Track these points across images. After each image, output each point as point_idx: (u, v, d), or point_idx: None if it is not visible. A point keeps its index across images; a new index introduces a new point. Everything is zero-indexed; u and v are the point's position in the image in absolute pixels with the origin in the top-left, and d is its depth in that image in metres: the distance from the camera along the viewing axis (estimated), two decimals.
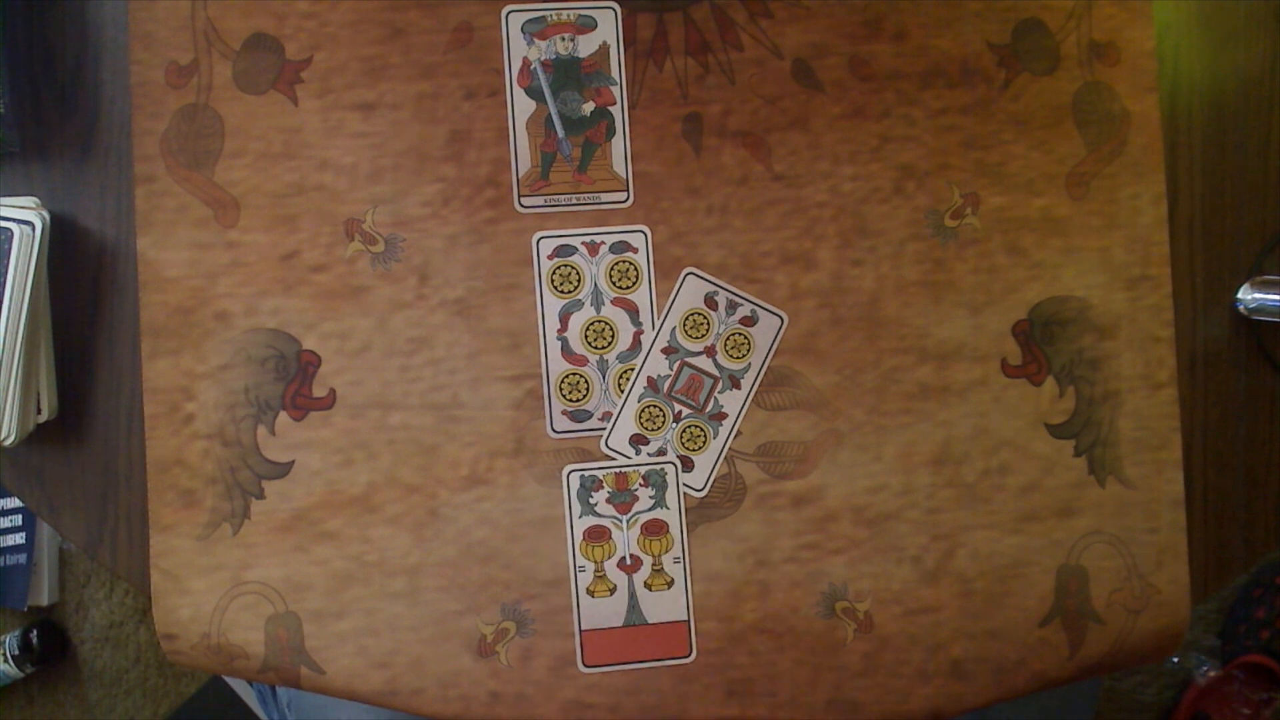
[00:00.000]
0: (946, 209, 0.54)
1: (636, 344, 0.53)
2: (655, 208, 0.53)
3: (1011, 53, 0.54)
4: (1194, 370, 0.58)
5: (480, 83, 0.53)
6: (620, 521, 0.53)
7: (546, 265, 0.53)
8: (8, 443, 0.51)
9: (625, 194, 0.53)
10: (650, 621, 0.53)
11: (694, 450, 0.53)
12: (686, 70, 0.54)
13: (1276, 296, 0.57)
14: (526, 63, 0.53)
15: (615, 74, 0.53)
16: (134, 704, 1.28)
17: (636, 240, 0.53)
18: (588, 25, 0.53)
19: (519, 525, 0.53)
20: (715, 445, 0.53)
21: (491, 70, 0.53)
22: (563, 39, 0.53)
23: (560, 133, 0.53)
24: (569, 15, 0.53)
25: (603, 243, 0.53)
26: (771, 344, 0.54)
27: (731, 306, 0.54)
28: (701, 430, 0.53)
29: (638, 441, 0.53)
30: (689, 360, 0.53)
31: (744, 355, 0.54)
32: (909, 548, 0.54)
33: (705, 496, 0.53)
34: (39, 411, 0.53)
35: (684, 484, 0.53)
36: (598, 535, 0.53)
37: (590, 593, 0.53)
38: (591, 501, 0.53)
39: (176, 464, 0.52)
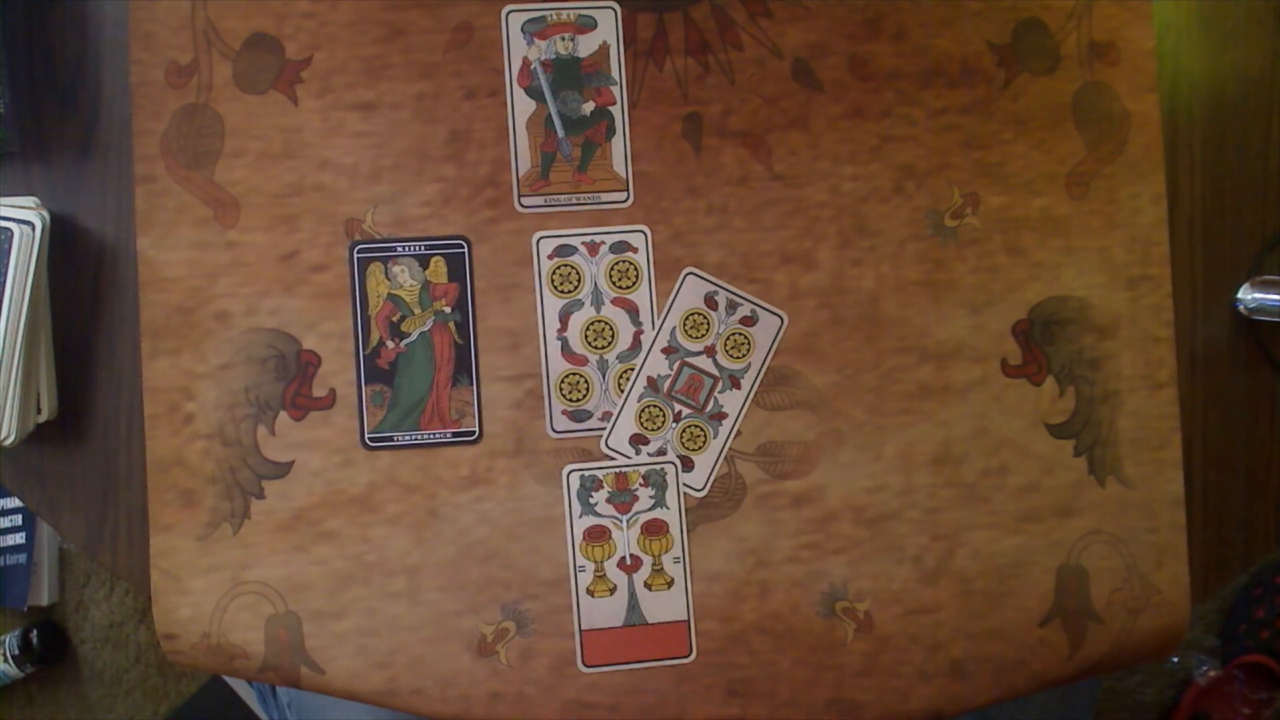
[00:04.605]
0: (946, 209, 0.54)
1: (636, 344, 0.53)
2: (655, 208, 0.53)
3: (1011, 52, 0.54)
4: (1194, 370, 0.58)
5: (480, 83, 0.53)
6: (620, 521, 0.53)
7: (546, 265, 0.53)
8: (8, 443, 0.51)
9: (625, 194, 0.53)
10: (650, 621, 0.53)
11: (694, 450, 0.53)
12: (686, 70, 0.54)
13: (1276, 296, 0.57)
14: (526, 63, 0.53)
15: (615, 74, 0.53)
16: (134, 704, 1.28)
17: (636, 240, 0.53)
18: (588, 25, 0.53)
19: (519, 525, 0.53)
20: (715, 445, 0.53)
21: (491, 70, 0.53)
22: (563, 39, 0.53)
23: (560, 132, 0.53)
24: (569, 15, 0.53)
25: (603, 242, 0.53)
26: (771, 344, 0.54)
27: (731, 306, 0.54)
28: (701, 430, 0.53)
29: (638, 441, 0.53)
30: (689, 360, 0.53)
31: (744, 355, 0.54)
32: (909, 548, 0.54)
33: (705, 496, 0.53)
34: (39, 411, 0.53)
35: (684, 484, 0.53)
36: (598, 535, 0.53)
37: (590, 593, 0.53)
38: (591, 501, 0.53)
39: (176, 464, 0.52)
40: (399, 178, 0.53)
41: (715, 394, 0.54)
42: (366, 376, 0.52)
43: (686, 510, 0.53)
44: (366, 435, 0.52)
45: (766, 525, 0.53)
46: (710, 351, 0.54)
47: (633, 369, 0.53)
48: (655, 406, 0.53)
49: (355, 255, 0.52)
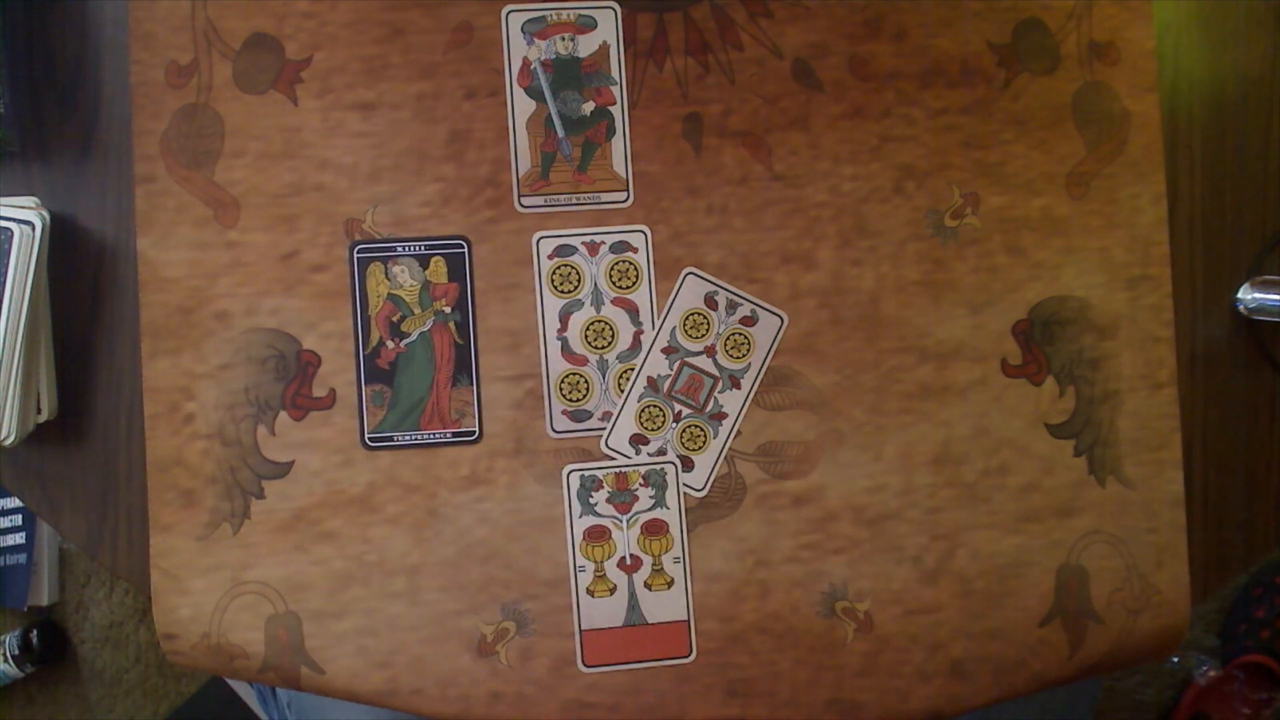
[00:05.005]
0: (946, 209, 0.54)
1: (636, 344, 0.53)
2: (655, 207, 0.53)
3: (1011, 52, 0.54)
4: (1194, 370, 0.58)
5: (480, 83, 0.53)
6: (620, 521, 0.53)
7: (546, 265, 0.53)
8: (8, 443, 0.51)
9: (625, 194, 0.53)
10: (650, 621, 0.53)
11: (694, 450, 0.53)
12: (686, 70, 0.54)
13: (1276, 296, 0.57)
14: (526, 63, 0.53)
15: (615, 74, 0.53)
16: (134, 704, 1.29)
17: (636, 240, 0.53)
18: (588, 25, 0.53)
19: (519, 525, 0.53)
20: (715, 445, 0.53)
21: (491, 70, 0.53)
22: (563, 39, 0.53)
23: (560, 132, 0.53)
24: (569, 15, 0.53)
25: (603, 242, 0.53)
26: (771, 344, 0.54)
27: (731, 306, 0.54)
28: (701, 430, 0.53)
29: (638, 441, 0.53)
30: (689, 360, 0.53)
31: (744, 355, 0.54)
32: (909, 548, 0.54)
33: (705, 496, 0.53)
34: (39, 411, 0.53)
35: (684, 484, 0.53)
36: (598, 535, 0.53)
37: (590, 592, 0.53)
38: (591, 501, 0.53)
39: (176, 464, 0.52)
40: (399, 178, 0.53)
41: (715, 394, 0.54)
42: (366, 376, 0.52)
43: (686, 510, 0.53)
44: (366, 435, 0.52)
45: (766, 525, 0.53)
46: (710, 351, 0.54)
47: (633, 369, 0.53)
48: (655, 406, 0.53)
49: (355, 255, 0.52)
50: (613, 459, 0.53)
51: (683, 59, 0.54)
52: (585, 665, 0.53)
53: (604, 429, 0.53)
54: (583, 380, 0.53)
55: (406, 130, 0.53)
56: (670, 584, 0.53)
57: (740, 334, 0.54)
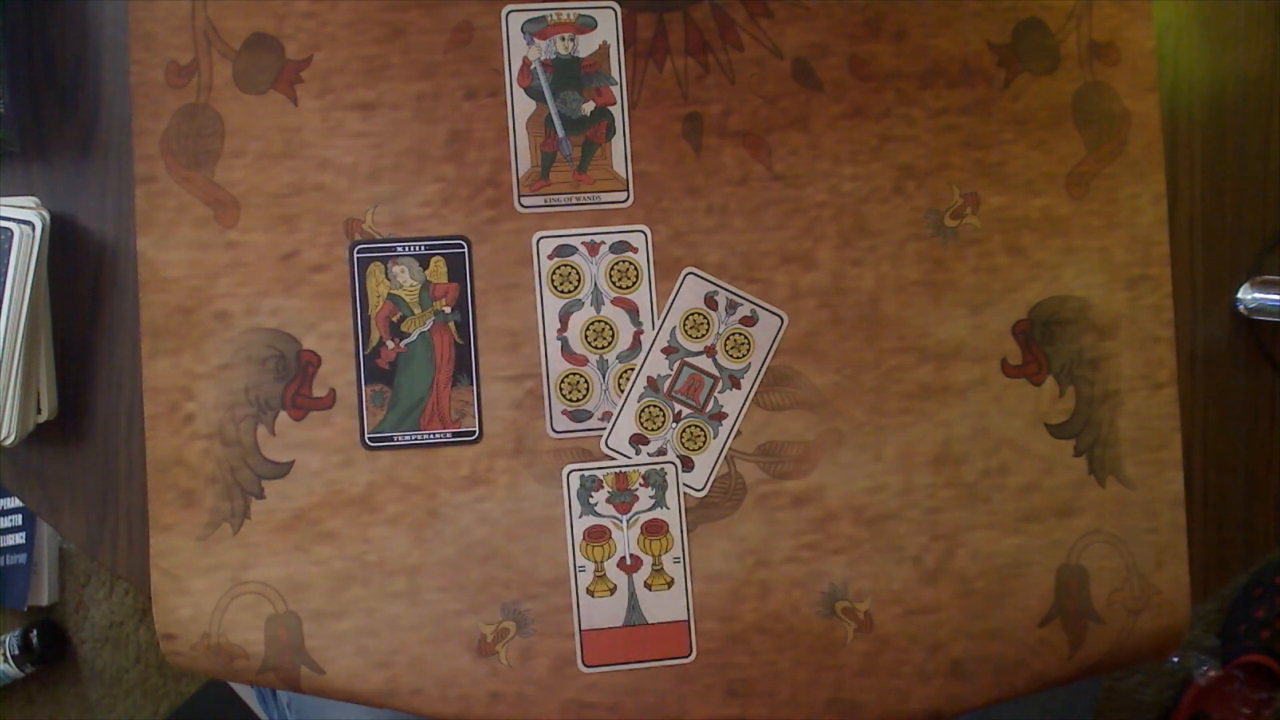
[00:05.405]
0: (946, 209, 0.54)
1: (636, 344, 0.53)
2: (655, 207, 0.53)
3: (1011, 52, 0.54)
4: (1194, 370, 0.58)
5: (480, 83, 0.53)
6: (620, 521, 0.53)
7: (546, 265, 0.53)
8: (8, 443, 0.51)
9: (625, 194, 0.53)
10: (650, 621, 0.53)
11: (694, 450, 0.53)
12: (686, 70, 0.54)
13: (1276, 296, 0.57)
14: (526, 62, 0.53)
15: (615, 74, 0.53)
16: (134, 704, 1.29)
17: (636, 240, 0.53)
18: (588, 25, 0.53)
19: (519, 525, 0.53)
20: (715, 445, 0.53)
21: (491, 70, 0.53)
22: (563, 39, 0.53)
23: (560, 132, 0.53)
24: (569, 15, 0.53)
25: (603, 242, 0.53)
26: (771, 344, 0.54)
27: (731, 306, 0.54)
28: (701, 430, 0.53)
29: (638, 441, 0.53)
30: (689, 360, 0.54)
31: (744, 355, 0.54)
32: (909, 548, 0.54)
33: (705, 496, 0.53)
34: (39, 411, 0.53)
35: (684, 484, 0.53)
36: (598, 535, 0.53)
37: (590, 592, 0.53)
38: (591, 501, 0.53)
39: (176, 464, 0.52)
40: (399, 178, 0.53)
41: (715, 394, 0.54)
42: (366, 376, 0.52)
43: (686, 510, 0.53)
44: (366, 435, 0.52)
45: (766, 525, 0.53)
46: (710, 351, 0.54)
47: (633, 369, 0.53)
48: (655, 406, 0.53)
49: (355, 255, 0.52)
50: (613, 459, 0.53)
51: (683, 59, 0.54)
52: (585, 665, 0.53)
53: (604, 429, 0.53)
54: (583, 380, 0.53)
55: (406, 130, 0.53)
56: (670, 584, 0.53)
57: (740, 334, 0.54)
